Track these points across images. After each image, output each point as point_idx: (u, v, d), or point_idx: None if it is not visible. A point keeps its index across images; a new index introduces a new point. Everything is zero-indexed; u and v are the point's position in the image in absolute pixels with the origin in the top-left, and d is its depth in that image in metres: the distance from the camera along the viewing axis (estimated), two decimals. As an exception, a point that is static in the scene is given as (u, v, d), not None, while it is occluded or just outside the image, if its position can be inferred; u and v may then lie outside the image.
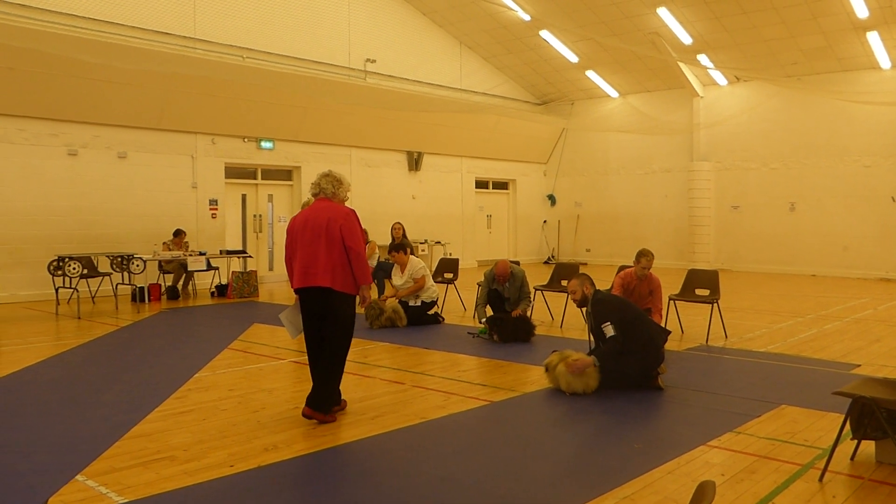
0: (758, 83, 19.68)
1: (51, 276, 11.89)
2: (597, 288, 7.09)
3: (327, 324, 5.65)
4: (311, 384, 5.73)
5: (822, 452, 4.84)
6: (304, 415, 5.58)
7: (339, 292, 5.59)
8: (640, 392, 6.52)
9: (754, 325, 10.56)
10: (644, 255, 8.52)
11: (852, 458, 4.74)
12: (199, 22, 15.53)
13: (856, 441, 4.70)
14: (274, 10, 16.83)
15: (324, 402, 5.61)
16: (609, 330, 6.58)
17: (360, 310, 5.77)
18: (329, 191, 5.82)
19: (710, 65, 19.40)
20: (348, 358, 6.35)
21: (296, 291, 5.76)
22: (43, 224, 13.41)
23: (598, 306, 6.81)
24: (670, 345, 7.98)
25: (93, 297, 13.16)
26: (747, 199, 20.04)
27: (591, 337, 7.37)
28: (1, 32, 12.21)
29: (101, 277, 12.68)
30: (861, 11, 15.69)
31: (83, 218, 13.91)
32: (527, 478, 4.49)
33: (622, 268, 9.29)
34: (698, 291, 9.99)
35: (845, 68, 18.16)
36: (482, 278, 10.06)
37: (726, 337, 9.40)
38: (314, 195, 5.90)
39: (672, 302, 9.77)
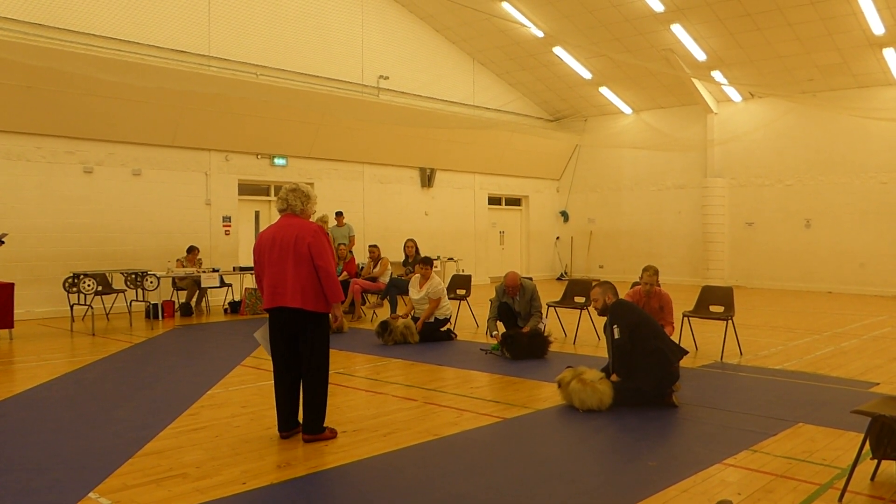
0: (772, 99, 19.62)
1: (66, 293, 11.96)
2: (619, 297, 7.07)
3: (302, 344, 5.55)
4: (282, 403, 5.61)
5: (840, 472, 4.77)
6: (304, 440, 5.53)
7: (311, 312, 5.47)
8: (654, 409, 6.46)
9: (770, 342, 10.47)
10: (646, 270, 8.57)
11: (872, 479, 4.67)
12: (213, 40, 15.68)
13: (876, 461, 4.63)
14: (288, 28, 16.97)
15: (316, 423, 5.54)
16: (615, 332, 6.70)
17: (333, 327, 5.64)
18: (298, 207, 5.67)
19: (724, 81, 19.38)
20: (360, 374, 6.34)
21: (266, 311, 5.65)
22: (59, 241, 13.50)
23: (612, 310, 6.88)
24: (684, 362, 7.89)
25: (107, 314, 13.22)
26: (762, 215, 19.93)
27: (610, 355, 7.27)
28: (19, 52, 12.36)
29: (115, 294, 12.74)
30: (877, 28, 15.64)
31: (98, 235, 14.00)
32: (540, 495, 4.45)
33: (635, 284, 9.24)
34: (712, 308, 9.92)
35: (861, 84, 18.08)
36: (494, 294, 10.04)
37: (741, 354, 9.31)
38: (281, 211, 5.73)
39: (686, 319, 9.71)
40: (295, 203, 5.68)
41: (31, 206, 13.20)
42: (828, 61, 17.41)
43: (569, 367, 6.77)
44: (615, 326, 6.71)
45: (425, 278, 10.72)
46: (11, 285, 10.78)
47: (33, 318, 12.94)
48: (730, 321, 9.43)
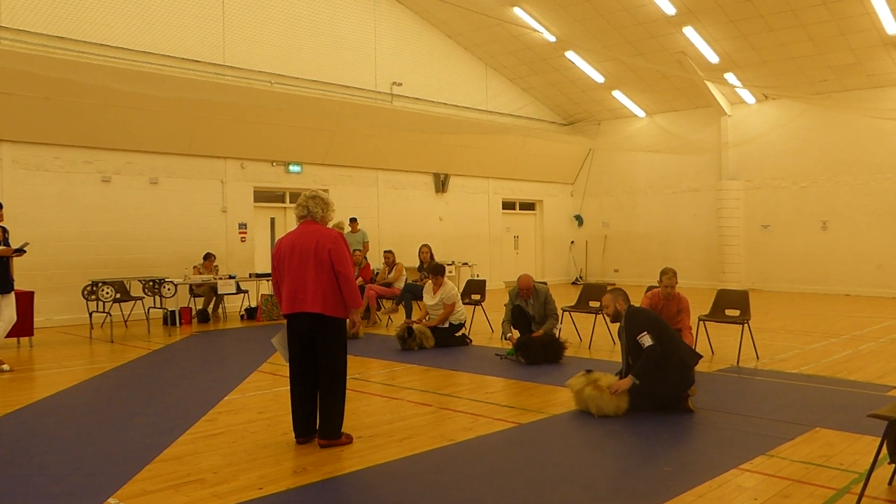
0: (786, 101, 19.52)
1: (85, 301, 12.09)
2: (631, 304, 7.02)
3: (320, 349, 5.60)
4: (299, 409, 5.65)
5: (858, 477, 4.74)
6: (320, 445, 5.57)
7: (331, 317, 5.55)
8: (670, 414, 6.45)
9: (786, 345, 10.41)
10: (665, 273, 8.45)
11: (890, 483, 4.64)
12: (228, 49, 15.81)
13: (893, 465, 4.60)
14: (301, 36, 17.08)
15: (333, 428, 5.59)
16: (646, 339, 6.45)
17: (350, 333, 5.71)
18: (318, 214, 5.76)
19: (737, 83, 19.30)
20: (376, 380, 6.34)
21: (285, 317, 5.71)
22: (77, 249, 13.65)
23: (631, 318, 6.73)
24: (700, 366, 7.87)
25: (125, 321, 13.34)
26: (778, 217, 19.81)
27: (624, 359, 7.19)
28: (37, 63, 12.52)
29: (133, 301, 12.84)
30: (890, 27, 15.54)
31: (116, 243, 14.13)
32: (555, 500, 4.46)
33: (650, 288, 9.22)
34: (728, 312, 9.86)
35: (875, 85, 17.96)
36: (507, 298, 10.05)
37: (758, 358, 9.27)
38: (301, 217, 5.79)
39: (702, 323, 9.67)
40: (315, 210, 5.75)
41: (50, 216, 13.35)
42: (841, 62, 17.31)
43: (589, 370, 6.67)
44: (645, 333, 6.50)
45: (438, 285, 10.78)
46: (31, 293, 10.91)
47: (53, 326, 13.08)
48: (746, 325, 9.36)
